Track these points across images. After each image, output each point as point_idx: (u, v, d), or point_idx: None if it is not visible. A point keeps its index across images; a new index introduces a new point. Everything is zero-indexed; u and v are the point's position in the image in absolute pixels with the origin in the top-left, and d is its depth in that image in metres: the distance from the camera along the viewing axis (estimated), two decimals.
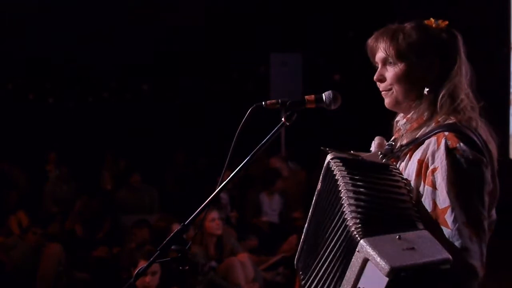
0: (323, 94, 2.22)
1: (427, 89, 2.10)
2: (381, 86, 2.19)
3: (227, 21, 10.70)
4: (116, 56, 10.78)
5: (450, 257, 1.82)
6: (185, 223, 2.11)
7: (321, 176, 2.20)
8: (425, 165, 2.03)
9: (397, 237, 1.84)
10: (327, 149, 2.17)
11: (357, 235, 1.86)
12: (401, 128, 2.19)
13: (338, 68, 10.90)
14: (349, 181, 1.99)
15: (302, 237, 2.27)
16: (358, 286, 1.86)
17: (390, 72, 2.14)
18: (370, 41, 2.20)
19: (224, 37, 10.75)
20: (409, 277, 1.77)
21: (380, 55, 2.17)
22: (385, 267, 1.74)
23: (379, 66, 2.19)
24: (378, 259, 1.77)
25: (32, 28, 10.10)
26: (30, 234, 6.44)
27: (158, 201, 8.27)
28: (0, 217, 7.26)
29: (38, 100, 11.59)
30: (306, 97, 2.21)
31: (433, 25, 2.13)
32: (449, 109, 2.08)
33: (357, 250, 1.85)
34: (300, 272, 2.23)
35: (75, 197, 8.00)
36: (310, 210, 2.25)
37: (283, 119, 2.17)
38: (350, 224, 1.90)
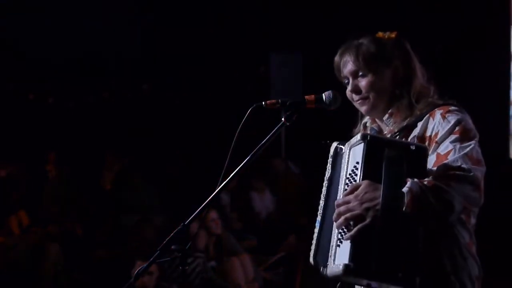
0: (323, 94, 2.25)
1: (398, 91, 2.34)
2: (356, 96, 2.37)
3: (227, 21, 10.70)
4: (117, 56, 10.78)
5: (426, 146, 2.14)
6: (185, 223, 2.11)
7: (329, 164, 2.32)
8: (427, 137, 2.23)
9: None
10: (328, 141, 2.34)
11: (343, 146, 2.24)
12: (386, 124, 2.38)
13: None
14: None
15: (317, 231, 2.26)
16: (346, 177, 2.12)
17: (363, 82, 2.34)
18: (337, 58, 2.42)
19: (224, 36, 10.74)
20: (383, 144, 2.05)
21: (349, 69, 2.37)
22: (358, 135, 2.11)
23: (350, 79, 2.37)
24: (356, 135, 2.13)
25: (32, 27, 10.09)
26: (30, 234, 6.44)
27: (158, 201, 8.27)
28: (0, 217, 7.25)
29: (38, 100, 11.58)
30: (306, 97, 2.24)
31: (386, 37, 2.38)
32: (427, 99, 2.32)
33: (345, 152, 2.19)
34: (322, 267, 2.21)
35: (75, 197, 7.99)
36: (322, 201, 2.28)
37: (283, 119, 2.18)
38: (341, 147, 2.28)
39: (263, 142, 2.15)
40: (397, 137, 2.28)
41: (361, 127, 2.49)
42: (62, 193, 8.18)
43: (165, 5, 10.59)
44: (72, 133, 10.49)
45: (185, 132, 10.82)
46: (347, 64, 2.37)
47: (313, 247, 2.27)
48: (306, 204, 8.79)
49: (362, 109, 2.38)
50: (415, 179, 1.98)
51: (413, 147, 2.06)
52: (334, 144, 2.31)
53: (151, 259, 2.09)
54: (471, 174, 2.06)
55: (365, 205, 1.98)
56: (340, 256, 2.03)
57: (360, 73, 2.34)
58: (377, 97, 2.34)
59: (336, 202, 2.08)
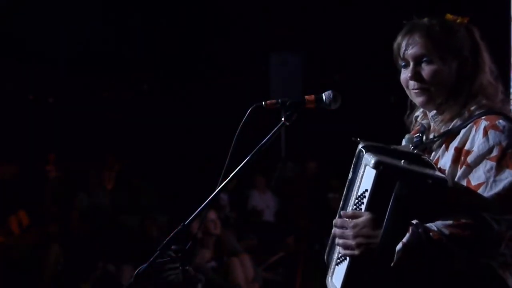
0: (323, 94, 2.23)
1: (460, 87, 2.10)
2: (416, 84, 2.12)
3: (227, 21, 10.70)
4: (117, 56, 10.78)
5: (448, 180, 1.91)
6: (185, 223, 2.11)
7: (352, 165, 2.17)
8: (464, 151, 2.00)
9: (402, 161, 1.95)
10: (358, 139, 2.15)
11: (364, 152, 2.03)
12: (431, 120, 2.16)
13: (338, 68, 10.90)
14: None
15: (333, 230, 2.25)
16: (356, 196, 2.02)
17: (427, 70, 2.09)
18: (401, 37, 2.14)
19: (224, 36, 10.74)
20: (396, 175, 1.90)
21: (415, 51, 2.11)
22: (372, 160, 1.94)
23: (412, 63, 2.12)
24: (370, 157, 1.96)
25: (32, 27, 10.09)
26: (30, 234, 6.44)
27: (158, 201, 8.28)
28: (0, 217, 7.25)
29: (38, 100, 11.58)
30: (306, 97, 2.22)
31: (458, 22, 2.13)
32: (481, 100, 2.08)
33: (362, 163, 2.03)
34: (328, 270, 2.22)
35: (75, 197, 7.99)
36: (341, 202, 2.22)
37: (283, 119, 2.17)
38: (364, 152, 2.04)
39: (263, 142, 2.15)
40: (437, 141, 2.10)
41: (413, 120, 2.28)
42: (62, 193, 8.18)
43: (166, 5, 10.59)
44: (72, 134, 10.49)
45: (185, 132, 10.82)
46: (413, 45, 2.09)
47: (328, 247, 2.27)
48: (308, 205, 8.81)
49: (418, 99, 2.14)
50: (420, 229, 1.86)
51: (430, 181, 1.88)
52: (359, 146, 2.11)
53: (151, 259, 2.09)
54: (491, 230, 1.86)
55: (358, 240, 1.94)
56: (337, 276, 2.09)
57: (425, 59, 2.08)
58: (438, 89, 2.09)
59: (334, 222, 2.06)
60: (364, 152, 2.05)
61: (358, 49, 9.90)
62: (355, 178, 2.09)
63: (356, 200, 2.03)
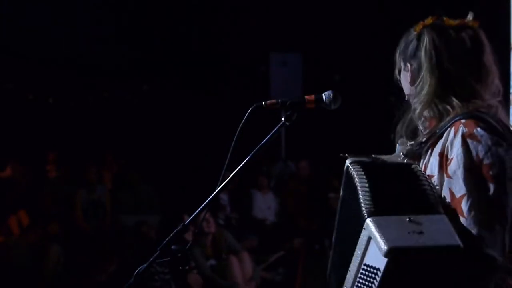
0: (323, 94, 2.23)
1: (407, 95, 2.19)
2: None
3: (227, 21, 10.70)
4: (116, 56, 10.79)
5: (460, 243, 1.80)
6: (185, 223, 2.11)
7: (342, 183, 2.13)
8: (445, 156, 2.00)
9: (407, 219, 1.83)
10: (346, 154, 2.11)
11: (365, 213, 1.86)
12: (420, 126, 2.17)
13: (338, 68, 10.91)
14: (366, 184, 1.95)
15: (332, 248, 2.22)
16: (364, 263, 1.89)
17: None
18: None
19: (224, 36, 10.75)
20: (410, 259, 1.78)
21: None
22: (384, 247, 1.76)
23: None
24: (379, 238, 1.79)
25: (31, 27, 10.10)
26: (30, 234, 6.44)
27: (158, 201, 8.28)
28: (0, 217, 7.25)
29: (38, 100, 11.58)
30: (306, 97, 2.22)
31: (412, 29, 2.18)
32: (467, 104, 2.06)
33: (363, 227, 1.87)
34: None
35: (75, 196, 7.99)
36: (336, 219, 2.18)
37: (283, 119, 2.17)
38: (362, 203, 1.89)
39: (263, 142, 2.15)
40: (425, 147, 2.08)
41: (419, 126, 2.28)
42: (62, 193, 8.18)
43: (166, 5, 10.60)
44: (72, 133, 10.50)
45: (185, 132, 10.83)
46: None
47: (329, 265, 2.25)
48: (309, 205, 8.81)
49: None
50: None
51: (446, 254, 1.81)
52: (347, 163, 2.06)
53: (151, 259, 2.09)
54: (492, 253, 1.89)
55: None
56: None
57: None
58: (405, 94, 2.23)
59: None
60: (353, 168, 1.99)
61: (358, 49, 9.91)
62: (348, 200, 2.04)
63: (363, 271, 1.93)
